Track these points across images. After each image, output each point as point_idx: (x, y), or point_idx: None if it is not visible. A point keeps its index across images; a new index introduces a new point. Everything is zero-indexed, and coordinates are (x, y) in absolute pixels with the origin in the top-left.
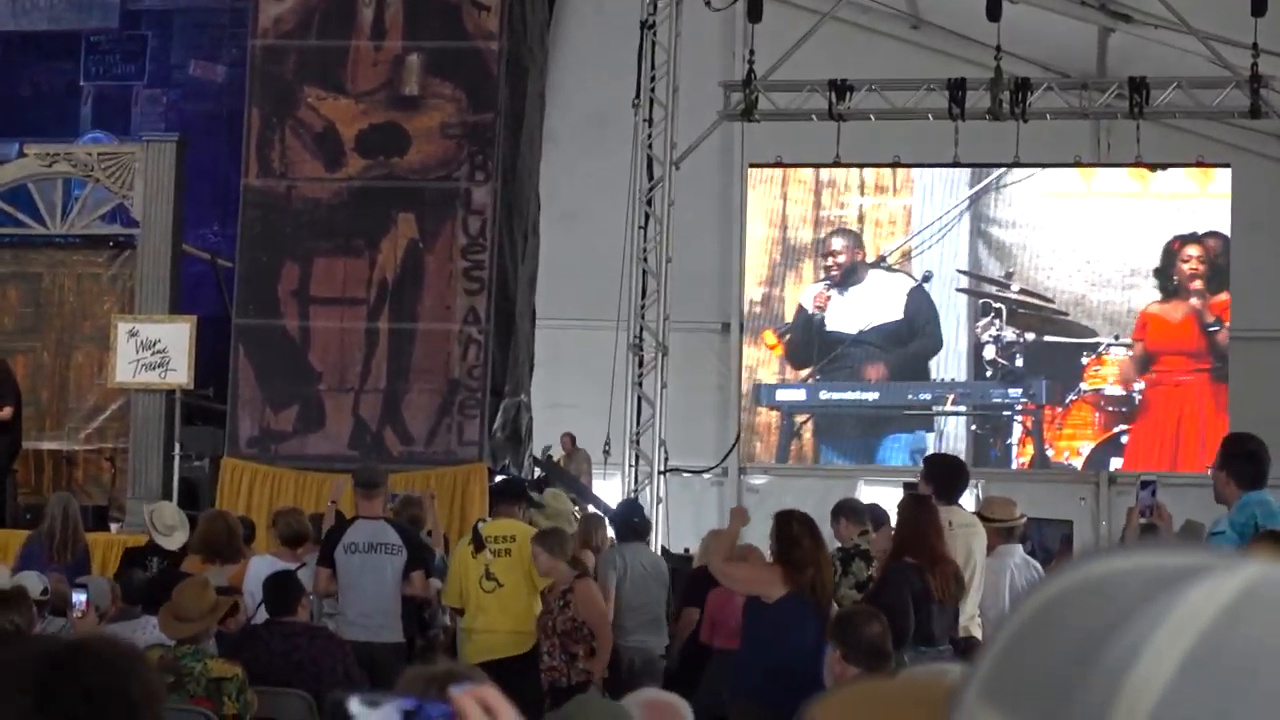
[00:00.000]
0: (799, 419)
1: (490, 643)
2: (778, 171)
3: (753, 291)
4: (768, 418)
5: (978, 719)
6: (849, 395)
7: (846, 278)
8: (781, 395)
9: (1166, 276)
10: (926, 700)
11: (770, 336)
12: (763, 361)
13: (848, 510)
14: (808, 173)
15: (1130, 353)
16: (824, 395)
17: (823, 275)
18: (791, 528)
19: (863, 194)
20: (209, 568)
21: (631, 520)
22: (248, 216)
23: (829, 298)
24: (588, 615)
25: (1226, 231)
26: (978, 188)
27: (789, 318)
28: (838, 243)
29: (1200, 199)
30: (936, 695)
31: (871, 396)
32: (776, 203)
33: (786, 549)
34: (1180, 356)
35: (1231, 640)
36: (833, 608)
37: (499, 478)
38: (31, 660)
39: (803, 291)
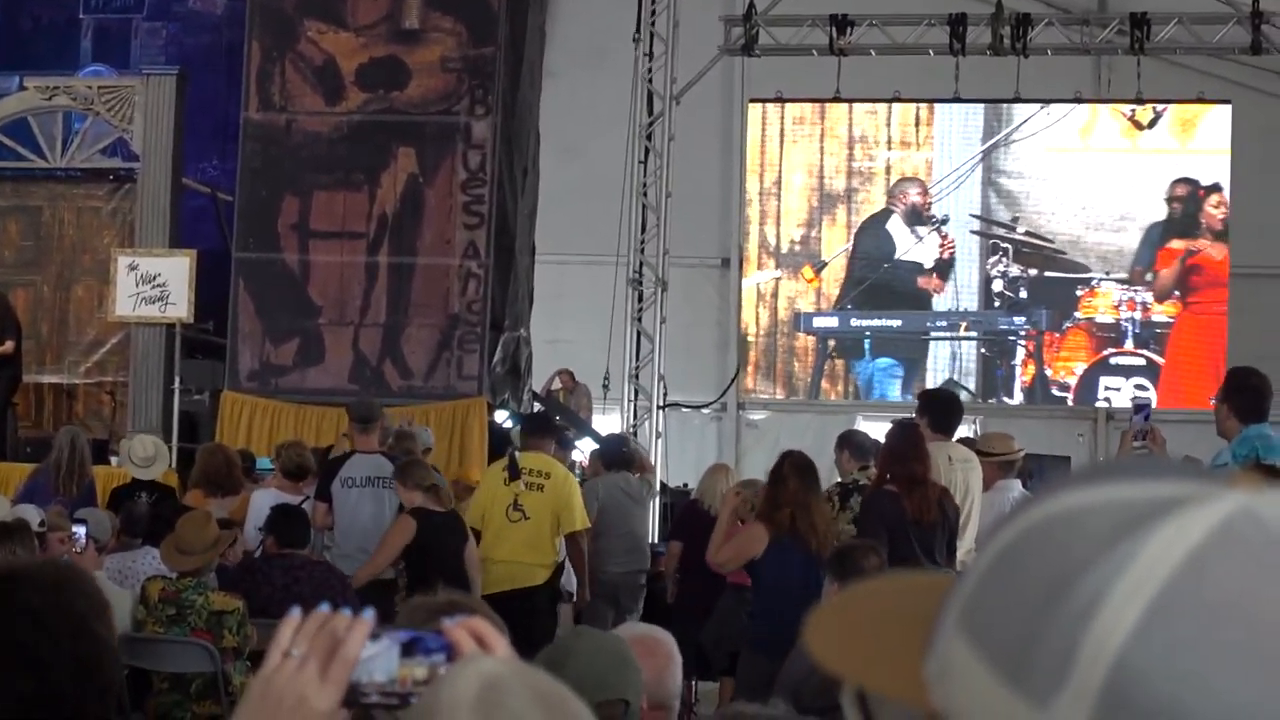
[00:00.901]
0: (830, 343)
1: (509, 573)
2: (815, 126)
3: (792, 232)
4: (805, 342)
5: (953, 646)
6: (875, 322)
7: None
8: (819, 323)
9: (1169, 218)
10: (922, 599)
11: (808, 271)
12: (800, 293)
13: (851, 444)
14: (842, 128)
15: (1127, 289)
16: (854, 323)
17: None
18: (782, 467)
19: (889, 149)
20: (210, 501)
21: (620, 450)
22: (247, 150)
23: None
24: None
25: (1214, 180)
26: (989, 144)
27: (825, 255)
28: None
29: (1186, 154)
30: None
31: (895, 323)
32: (815, 156)
33: (773, 489)
34: (1178, 300)
35: (1197, 588)
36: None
37: (504, 416)
38: None
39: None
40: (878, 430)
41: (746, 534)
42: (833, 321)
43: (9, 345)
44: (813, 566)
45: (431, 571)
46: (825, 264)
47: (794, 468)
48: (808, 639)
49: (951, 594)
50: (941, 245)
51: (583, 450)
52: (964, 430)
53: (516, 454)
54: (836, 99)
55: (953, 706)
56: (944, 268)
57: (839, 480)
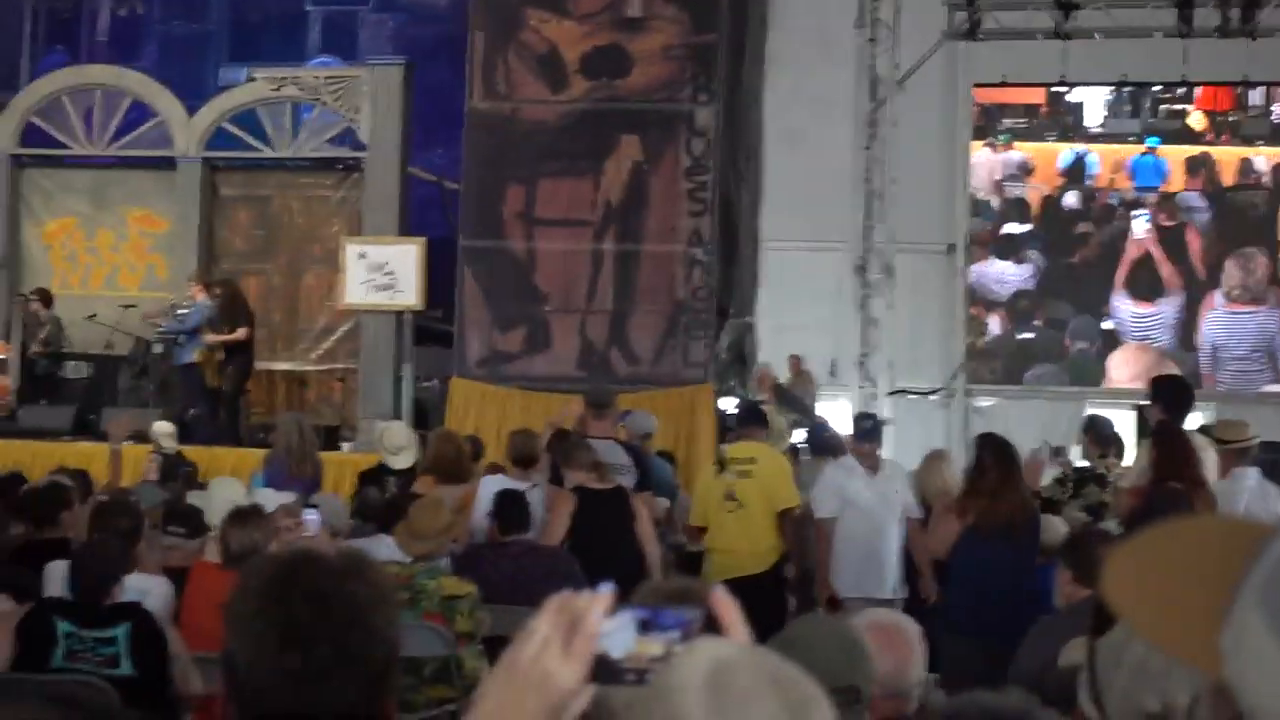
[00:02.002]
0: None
1: (729, 562)
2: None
3: None
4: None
5: (1249, 622)
6: None
7: None
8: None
9: None
10: (1221, 555)
11: None
12: None
13: (1095, 431)
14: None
15: None
16: None
17: None
18: (982, 457)
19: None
20: (441, 487)
21: (822, 437)
22: (472, 139)
23: None
24: None
25: None
26: None
27: None
28: None
29: None
30: (1231, 553)
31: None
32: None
33: (973, 473)
34: None
35: None
36: (1052, 528)
37: (734, 404)
38: (262, 568)
39: None
40: (1108, 417)
41: (943, 524)
42: None
43: (241, 333)
44: (1011, 550)
45: (594, 546)
46: None
47: (992, 452)
48: (1105, 579)
49: (1252, 569)
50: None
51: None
52: (1198, 418)
53: (724, 448)
54: (1062, 83)
55: (1244, 681)
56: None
57: (1076, 466)
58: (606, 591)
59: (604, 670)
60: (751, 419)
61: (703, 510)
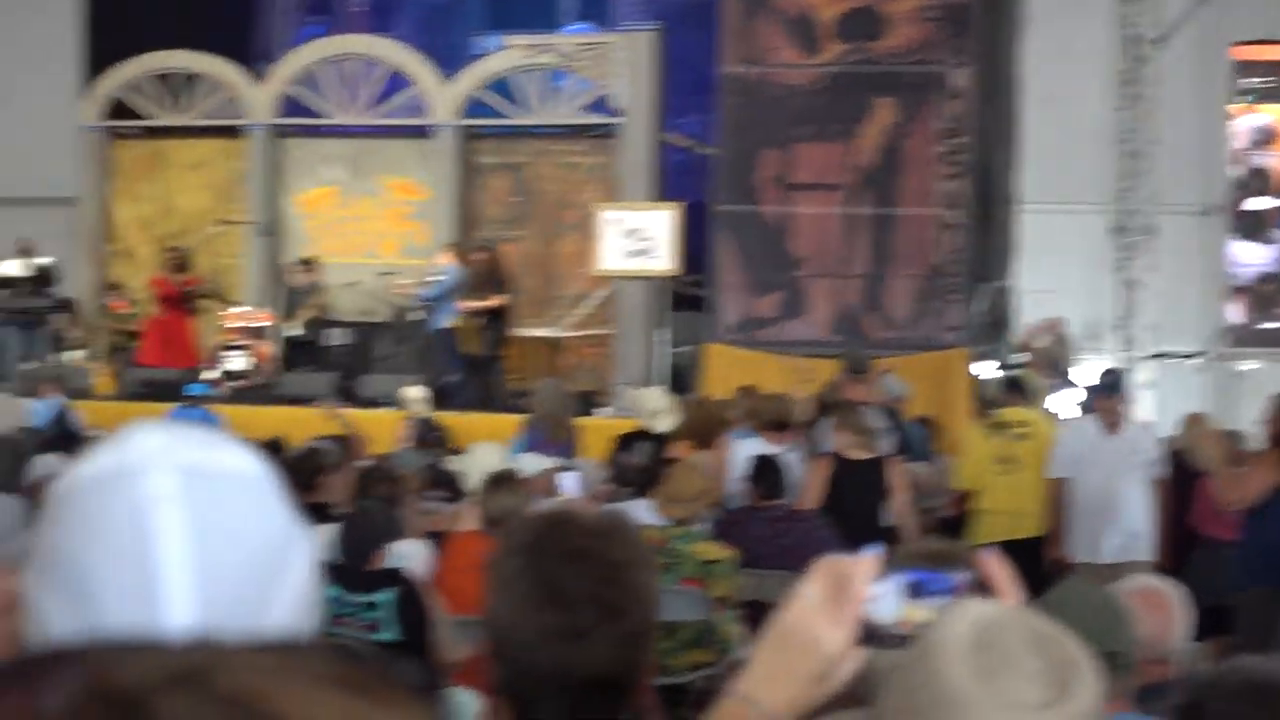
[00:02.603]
0: None
1: (1000, 524)
2: None
3: None
4: None
5: None
6: None
7: None
8: None
9: None
10: None
11: None
12: None
13: None
14: None
15: None
16: None
17: None
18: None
19: None
20: (695, 453)
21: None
22: (726, 104)
23: None
24: None
25: None
26: None
27: None
28: None
29: None
30: None
31: None
32: None
33: (1273, 426)
34: None
35: None
36: None
37: (992, 368)
38: (523, 528)
39: None
40: None
41: (1258, 472)
42: None
43: (498, 299)
44: None
45: (846, 515)
46: None
47: None
48: None
49: None
50: None
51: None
52: None
53: (995, 412)
54: None
55: None
56: None
57: None
58: (874, 554)
59: (871, 634)
60: (1018, 388)
61: (973, 472)
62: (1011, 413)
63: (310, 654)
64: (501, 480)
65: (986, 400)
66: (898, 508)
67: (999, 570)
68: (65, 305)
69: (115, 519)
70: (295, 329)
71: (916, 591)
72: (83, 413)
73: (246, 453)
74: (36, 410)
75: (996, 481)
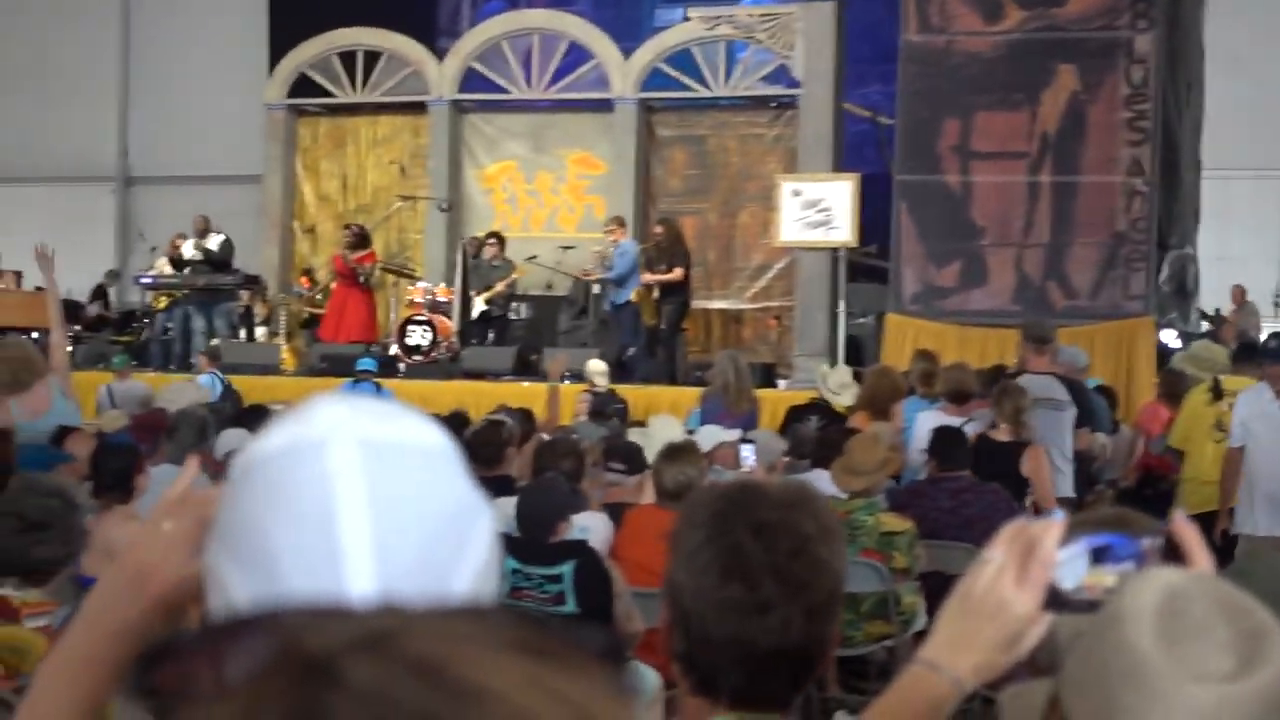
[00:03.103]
0: None
1: (1207, 493)
2: None
3: None
4: None
5: None
6: None
7: None
8: None
9: None
10: None
11: None
12: None
13: None
14: None
15: None
16: None
17: None
18: None
19: None
20: (875, 423)
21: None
22: (907, 73)
23: None
24: None
25: None
26: None
27: None
28: None
29: None
30: None
31: None
32: None
33: None
34: None
35: None
36: None
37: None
38: (707, 500)
39: None
40: None
41: None
42: None
43: (678, 272)
44: None
45: None
46: None
47: None
48: None
49: None
50: None
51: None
52: None
53: (1221, 378)
54: None
55: None
56: None
57: None
58: (1060, 520)
59: (1057, 599)
60: (1248, 355)
61: (1186, 433)
62: (1236, 381)
63: (495, 620)
64: (678, 452)
65: (1196, 363)
66: (1039, 494)
67: (1191, 535)
68: (250, 282)
69: (298, 492)
70: (477, 304)
71: (1102, 557)
72: (266, 388)
73: (428, 425)
74: (200, 385)
75: (1206, 449)
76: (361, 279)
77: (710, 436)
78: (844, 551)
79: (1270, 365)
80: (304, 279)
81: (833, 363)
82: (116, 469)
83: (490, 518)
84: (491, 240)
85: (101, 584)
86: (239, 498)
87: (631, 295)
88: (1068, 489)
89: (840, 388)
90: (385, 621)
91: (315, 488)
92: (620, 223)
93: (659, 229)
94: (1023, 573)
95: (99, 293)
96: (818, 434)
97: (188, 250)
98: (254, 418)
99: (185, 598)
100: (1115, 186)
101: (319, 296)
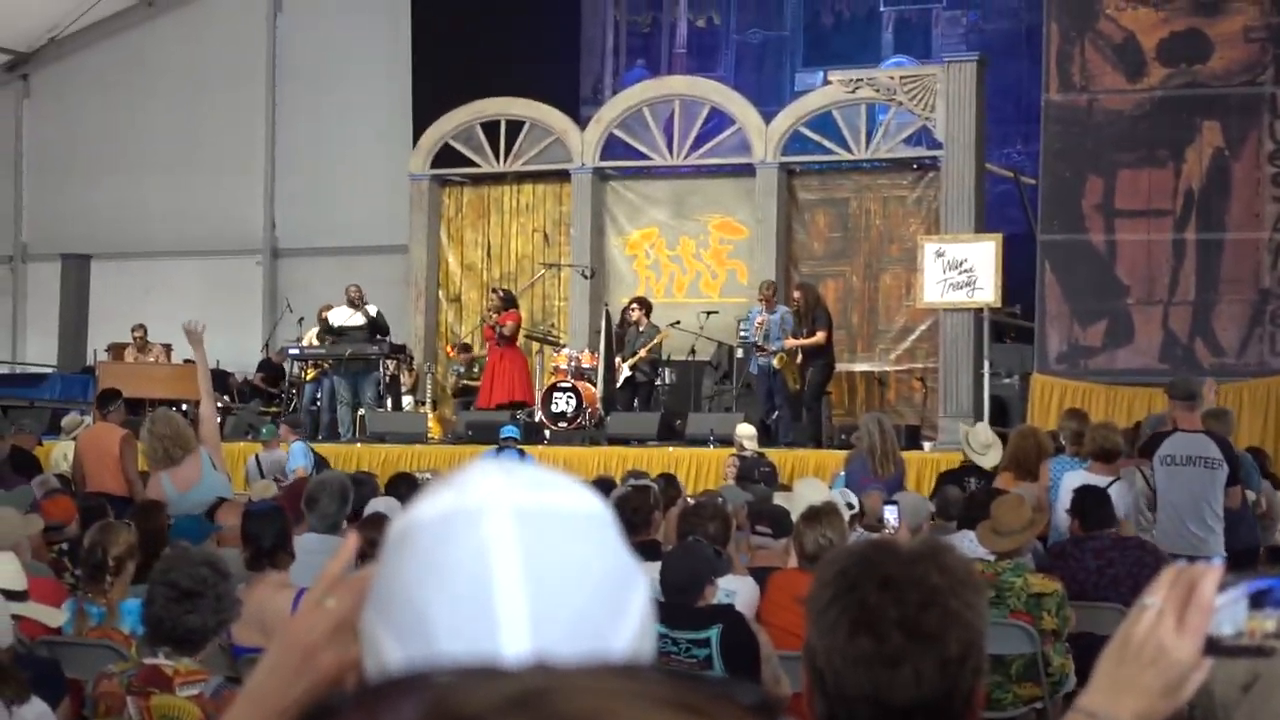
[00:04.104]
0: None
1: None
2: None
3: None
4: None
5: None
6: None
7: None
8: None
9: None
10: None
11: None
12: None
13: None
14: None
15: None
16: None
17: None
18: None
19: None
20: (1020, 484)
21: None
22: (1049, 132)
23: None
24: None
25: None
26: None
27: None
28: None
29: None
30: None
31: None
32: None
33: None
34: None
35: None
36: None
37: None
38: (837, 558)
39: None
40: None
41: None
42: None
43: (820, 336)
44: None
45: None
46: None
47: None
48: None
49: None
50: None
51: None
52: None
53: None
54: None
55: None
56: None
57: None
58: (1218, 564)
59: (1216, 645)
60: None
61: None
62: None
63: (646, 676)
64: (820, 514)
65: None
66: None
67: None
68: (396, 351)
69: (453, 561)
70: (622, 369)
71: (1262, 601)
72: (413, 457)
73: (583, 490)
74: (293, 453)
75: None
76: (509, 344)
77: (855, 498)
78: (981, 605)
79: None
80: (450, 349)
81: (976, 423)
82: (267, 537)
83: (646, 582)
84: (635, 306)
85: (266, 662)
86: (395, 565)
87: (775, 361)
88: (1219, 547)
89: (983, 447)
90: (536, 680)
91: (471, 558)
92: (773, 287)
93: (797, 294)
94: (1182, 618)
95: (265, 365)
96: (964, 495)
97: (343, 316)
98: (401, 486)
99: (348, 676)
100: (1260, 242)
101: (475, 369)
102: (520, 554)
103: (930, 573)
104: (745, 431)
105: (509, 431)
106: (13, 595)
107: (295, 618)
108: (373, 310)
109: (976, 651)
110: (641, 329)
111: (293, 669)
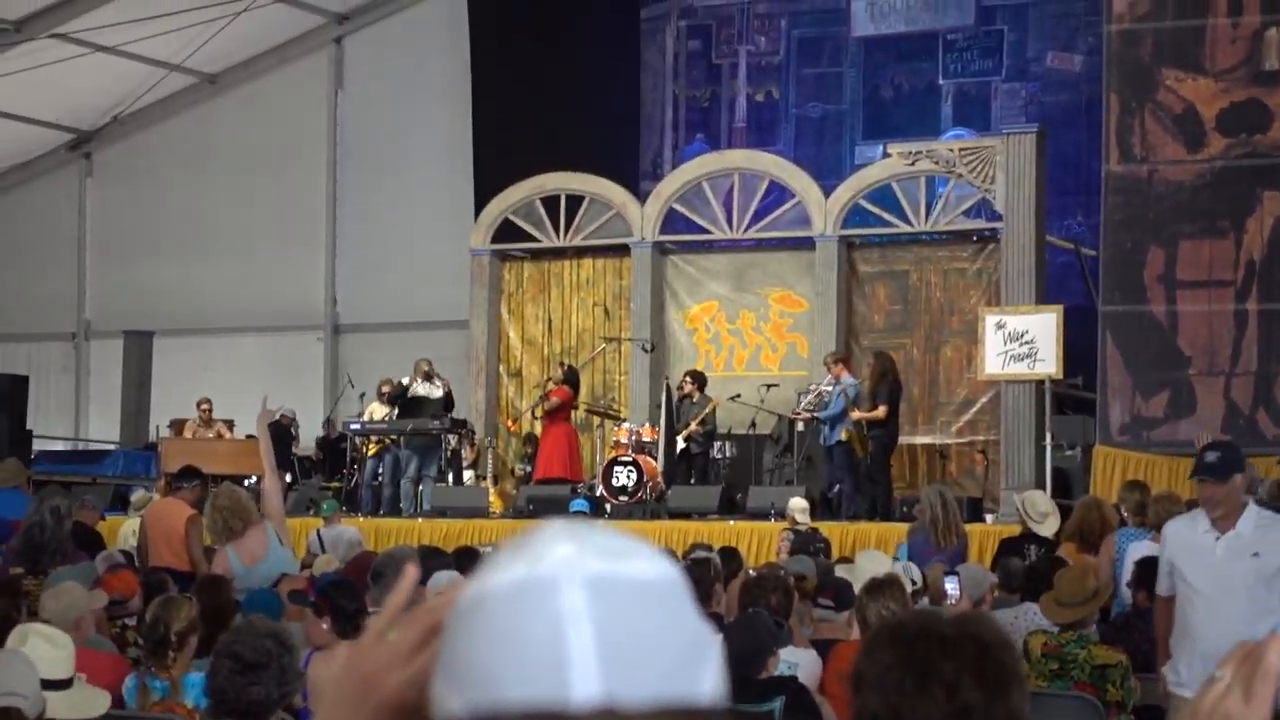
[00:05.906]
0: None
1: None
2: None
3: None
4: None
5: None
6: None
7: None
8: None
9: None
10: None
11: None
12: None
13: None
14: None
15: None
16: None
17: None
18: None
19: None
20: (1084, 556)
21: None
22: (1110, 203)
23: None
24: None
25: None
26: None
27: None
28: None
29: None
30: None
31: None
32: None
33: None
34: None
35: None
36: None
37: None
38: (886, 626)
39: None
40: None
41: None
42: None
43: (881, 410)
44: None
45: None
46: None
47: None
48: None
49: None
50: None
51: None
52: None
53: None
54: None
55: None
56: None
57: None
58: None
59: None
60: None
61: None
62: None
63: (710, 717)
64: (883, 586)
65: None
66: None
67: None
68: (458, 426)
69: (527, 633)
70: (682, 443)
71: None
72: (475, 531)
73: (656, 555)
74: (342, 535)
75: None
76: (567, 417)
77: (917, 571)
78: (1023, 668)
79: None
80: (511, 423)
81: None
82: (347, 609)
83: (719, 648)
84: (689, 380)
85: (329, 695)
86: (466, 634)
87: (842, 435)
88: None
89: (1041, 515)
90: None
91: (545, 631)
92: (842, 360)
93: (870, 365)
94: (1250, 689)
95: (323, 443)
96: (1025, 565)
97: (424, 388)
98: (466, 560)
99: (410, 704)
100: None
101: (522, 439)
102: (594, 628)
103: (982, 631)
104: (798, 505)
105: (579, 506)
106: (55, 684)
107: (356, 647)
108: (440, 388)
109: (1026, 710)
110: (694, 401)
111: (353, 700)
